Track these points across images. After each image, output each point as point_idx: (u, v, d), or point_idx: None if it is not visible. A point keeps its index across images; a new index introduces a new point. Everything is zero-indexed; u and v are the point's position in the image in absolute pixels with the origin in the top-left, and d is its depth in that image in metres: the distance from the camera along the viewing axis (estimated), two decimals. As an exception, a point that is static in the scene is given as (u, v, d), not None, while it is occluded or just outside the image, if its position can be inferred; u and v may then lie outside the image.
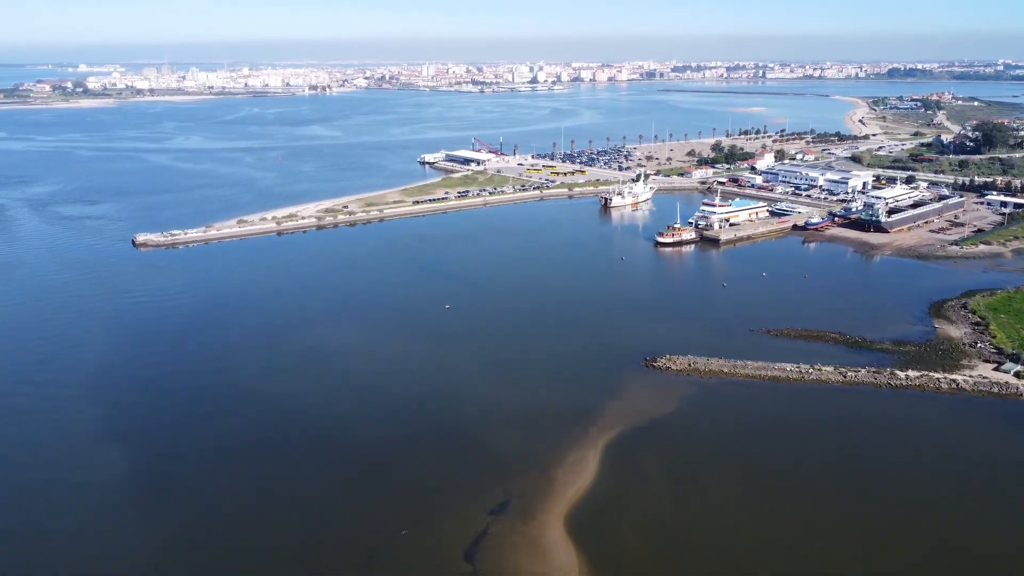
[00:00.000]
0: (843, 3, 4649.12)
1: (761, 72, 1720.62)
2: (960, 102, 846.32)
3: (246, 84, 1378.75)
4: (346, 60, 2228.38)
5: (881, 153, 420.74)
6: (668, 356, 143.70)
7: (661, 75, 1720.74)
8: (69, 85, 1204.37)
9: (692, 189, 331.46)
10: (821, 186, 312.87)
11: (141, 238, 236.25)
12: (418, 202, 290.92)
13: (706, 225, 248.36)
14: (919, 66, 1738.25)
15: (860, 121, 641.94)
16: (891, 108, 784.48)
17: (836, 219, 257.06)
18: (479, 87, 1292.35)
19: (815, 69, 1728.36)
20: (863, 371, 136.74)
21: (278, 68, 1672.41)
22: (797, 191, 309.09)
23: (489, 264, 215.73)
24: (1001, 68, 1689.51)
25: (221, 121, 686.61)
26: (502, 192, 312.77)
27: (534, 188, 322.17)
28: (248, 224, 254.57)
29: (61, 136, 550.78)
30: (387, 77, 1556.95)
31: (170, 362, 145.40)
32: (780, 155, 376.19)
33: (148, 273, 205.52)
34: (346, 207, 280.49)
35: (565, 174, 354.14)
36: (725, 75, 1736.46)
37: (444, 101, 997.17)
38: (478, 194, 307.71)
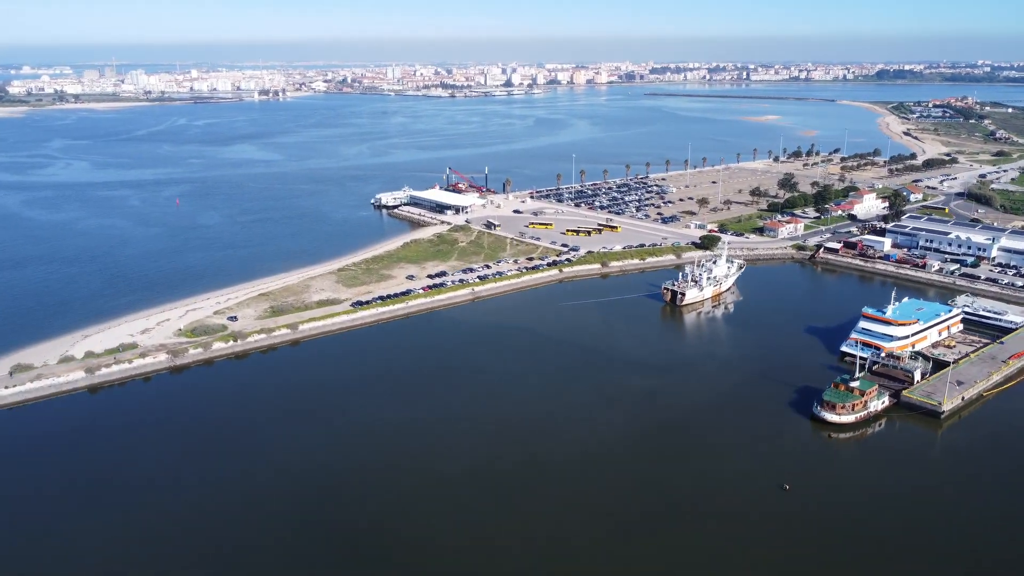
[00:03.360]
0: (818, 5, 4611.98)
1: (744, 74, 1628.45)
2: (989, 108, 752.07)
3: (191, 88, 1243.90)
4: (310, 61, 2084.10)
5: (998, 187, 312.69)
6: None
7: (640, 77, 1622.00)
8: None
9: (785, 258, 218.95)
10: (994, 258, 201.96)
11: None
12: (361, 303, 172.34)
13: (891, 367, 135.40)
14: (906, 67, 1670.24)
15: (909, 135, 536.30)
16: (923, 116, 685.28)
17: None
18: (450, 91, 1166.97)
19: (800, 71, 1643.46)
20: None
21: (234, 70, 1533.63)
22: (962, 267, 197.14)
23: (494, 514, 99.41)
24: (988, 69, 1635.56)
25: (132, 137, 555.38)
26: (498, 275, 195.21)
27: (548, 262, 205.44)
28: (32, 374, 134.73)
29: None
30: (349, 80, 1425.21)
31: None
32: (898, 200, 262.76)
33: None
34: (233, 318, 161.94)
35: (589, 232, 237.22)
36: (707, 77, 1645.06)
37: (410, 108, 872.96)
38: (461, 280, 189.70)
